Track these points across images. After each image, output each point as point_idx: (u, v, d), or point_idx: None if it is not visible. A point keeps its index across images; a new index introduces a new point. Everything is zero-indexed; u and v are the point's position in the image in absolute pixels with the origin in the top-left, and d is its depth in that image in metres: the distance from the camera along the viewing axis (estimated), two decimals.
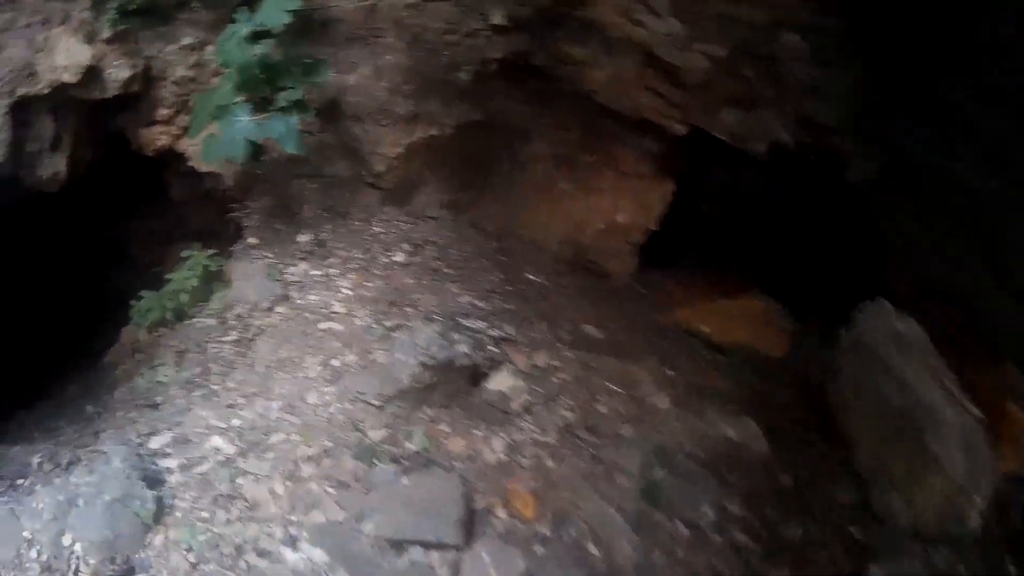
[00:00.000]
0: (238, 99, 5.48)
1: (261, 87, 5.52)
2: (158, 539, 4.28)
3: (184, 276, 6.36)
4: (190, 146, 6.36)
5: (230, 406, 5.26)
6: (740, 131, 5.91)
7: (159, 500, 4.40)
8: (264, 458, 4.80)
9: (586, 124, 6.99)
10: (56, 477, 4.71)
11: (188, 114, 6.18)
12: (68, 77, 5.60)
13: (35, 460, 5.01)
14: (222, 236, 6.92)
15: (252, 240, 6.57)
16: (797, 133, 5.70)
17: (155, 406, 5.65)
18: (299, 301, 6.06)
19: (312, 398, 5.23)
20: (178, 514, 4.42)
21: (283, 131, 5.42)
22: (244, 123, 5.41)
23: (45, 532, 4.21)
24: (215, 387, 5.56)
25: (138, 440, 5.08)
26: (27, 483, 4.72)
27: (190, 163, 6.44)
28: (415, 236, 6.71)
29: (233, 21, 5.47)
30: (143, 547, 4.22)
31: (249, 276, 6.29)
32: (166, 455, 4.87)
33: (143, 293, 6.42)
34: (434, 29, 5.96)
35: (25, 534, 4.21)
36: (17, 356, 7.92)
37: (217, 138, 5.48)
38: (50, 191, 6.20)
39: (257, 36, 5.44)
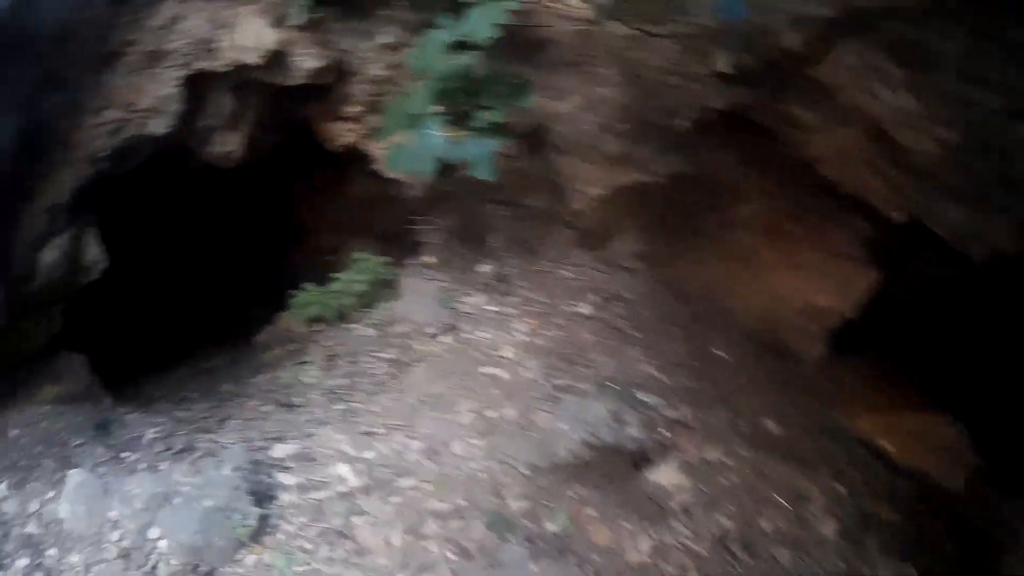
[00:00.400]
0: (432, 110, 5.03)
1: (459, 101, 5.06)
2: (250, 559, 3.97)
3: (352, 278, 6.14)
4: (377, 149, 6.03)
5: (367, 433, 4.93)
6: (963, 231, 5.04)
7: (263, 518, 4.10)
8: (388, 501, 4.40)
9: (800, 194, 6.22)
10: (162, 463, 4.52)
11: (378, 115, 5.84)
12: (250, 58, 5.30)
13: (149, 435, 4.87)
14: (399, 245, 6.60)
15: (429, 258, 6.21)
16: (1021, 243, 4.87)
17: (291, 407, 5.46)
18: (467, 335, 5.69)
19: (457, 448, 4.78)
20: (280, 536, 4.11)
21: (477, 154, 4.90)
22: (435, 138, 4.95)
23: (133, 520, 3.99)
24: (357, 405, 5.28)
25: (261, 443, 4.86)
26: (132, 460, 4.53)
27: (375, 165, 6.11)
28: (604, 287, 6.10)
29: (435, 26, 5.01)
30: (232, 563, 3.93)
31: (419, 295, 5.93)
32: (286, 468, 4.60)
33: (307, 285, 6.18)
34: (653, 67, 5.30)
35: (112, 514, 4.00)
36: (175, 318, 8.00)
37: (405, 148, 5.08)
38: (224, 167, 6.05)
39: (460, 46, 4.96)
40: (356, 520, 4.26)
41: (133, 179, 5.62)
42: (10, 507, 3.99)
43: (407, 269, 6.24)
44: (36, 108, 4.63)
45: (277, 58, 5.31)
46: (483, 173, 4.87)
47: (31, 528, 3.94)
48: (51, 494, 4.07)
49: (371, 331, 5.98)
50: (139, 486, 4.11)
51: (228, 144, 5.76)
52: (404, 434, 4.85)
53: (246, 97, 5.68)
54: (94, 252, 5.18)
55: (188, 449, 4.70)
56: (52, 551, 3.84)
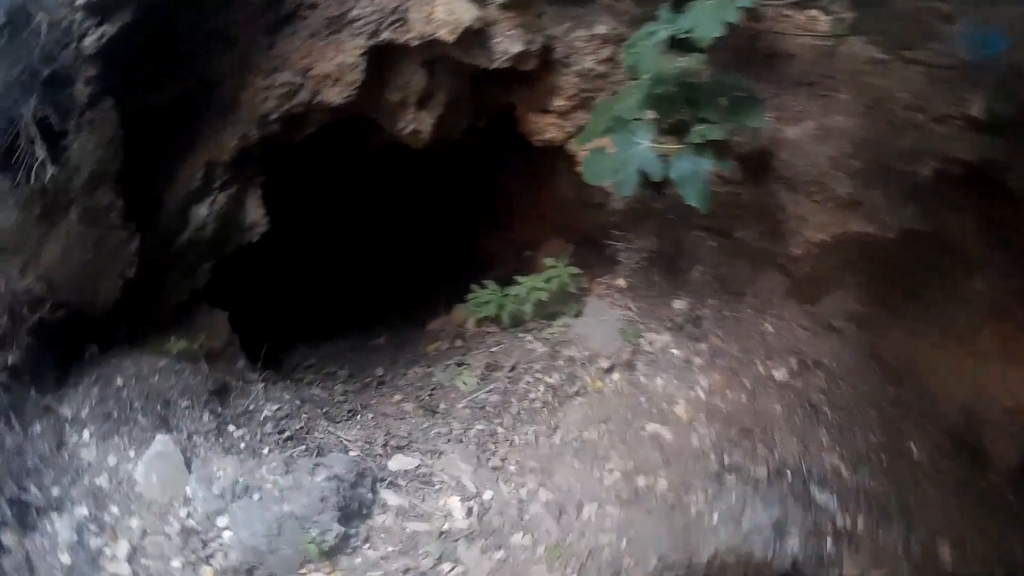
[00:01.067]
0: (642, 116, 4.19)
1: (675, 109, 4.17)
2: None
3: (536, 285, 5.63)
4: (581, 150, 5.29)
5: (496, 468, 4.48)
6: None
7: (345, 537, 3.83)
8: (490, 556, 3.93)
9: None
10: (265, 447, 4.31)
11: (586, 112, 5.11)
12: (444, 34, 4.75)
13: (267, 411, 4.65)
14: (595, 258, 5.91)
15: (621, 281, 5.49)
16: None
17: (432, 412, 5.11)
18: (641, 378, 4.95)
19: (588, 512, 4.15)
20: (357, 561, 3.82)
21: (688, 174, 3.99)
22: (642, 149, 4.08)
23: (207, 502, 3.80)
24: (500, 430, 4.87)
25: (380, 448, 4.57)
26: (235, 435, 4.34)
27: (578, 168, 5.39)
28: (807, 351, 4.99)
29: (655, 19, 4.20)
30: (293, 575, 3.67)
31: (601, 320, 5.28)
32: (394, 485, 4.27)
33: (487, 282, 5.76)
34: (898, 99, 4.20)
35: (188, 490, 3.84)
36: (347, 293, 7.90)
37: (606, 157, 4.27)
38: (414, 147, 5.65)
39: (679, 45, 4.12)
40: (446, 567, 3.82)
41: (313, 147, 5.43)
42: (88, 455, 3.93)
43: (597, 287, 5.55)
44: (200, 66, 4.54)
45: (475, 37, 4.77)
46: (693, 197, 3.95)
47: (102, 481, 3.85)
48: (132, 453, 3.95)
49: (541, 347, 5.42)
50: (223, 469, 3.90)
51: (417, 123, 5.33)
52: (536, 479, 4.32)
53: (439, 75, 5.20)
54: (254, 215, 5.05)
55: (298, 438, 4.45)
56: (114, 509, 3.76)
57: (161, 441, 3.91)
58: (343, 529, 3.77)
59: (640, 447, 4.45)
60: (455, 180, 8.11)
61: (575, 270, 5.61)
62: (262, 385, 4.86)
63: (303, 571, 3.65)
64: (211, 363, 4.74)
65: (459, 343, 5.96)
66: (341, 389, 5.33)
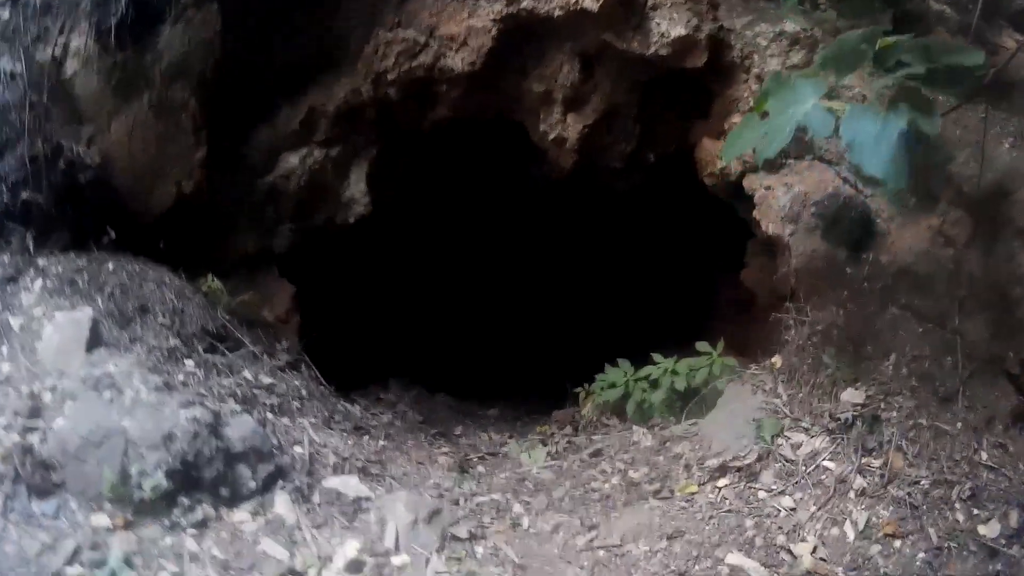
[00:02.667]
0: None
1: (859, 63, 2.90)
2: None
3: (674, 368, 4.30)
4: (761, 186, 4.04)
5: (460, 540, 3.08)
6: None
7: (167, 496, 2.74)
8: None
9: None
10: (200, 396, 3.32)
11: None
12: (588, 2, 3.89)
13: (251, 374, 3.80)
14: (757, 337, 4.39)
15: (776, 360, 3.92)
16: None
17: (464, 471, 4.01)
18: (762, 492, 3.44)
19: None
20: (152, 531, 2.72)
21: (868, 136, 2.70)
22: (806, 107, 2.79)
23: (72, 382, 2.99)
24: (515, 507, 3.57)
25: (343, 462, 3.43)
26: (185, 368, 3.49)
27: (755, 213, 4.05)
28: None
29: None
30: None
31: (735, 410, 3.72)
32: (302, 495, 3.12)
33: (621, 360, 4.54)
34: None
35: (68, 365, 3.10)
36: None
37: (754, 123, 3.01)
38: (560, 166, 4.72)
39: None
40: None
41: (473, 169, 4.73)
42: (27, 299, 3.41)
43: (748, 372, 4.03)
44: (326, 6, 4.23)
45: (626, 11, 3.91)
46: (875, 165, 2.70)
47: (16, 322, 3.31)
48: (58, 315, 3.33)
49: (649, 440, 4.03)
50: (116, 364, 3.10)
51: (563, 128, 4.45)
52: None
53: (596, 74, 4.33)
54: (355, 189, 4.48)
55: (250, 402, 3.50)
56: (3, 347, 3.20)
57: (83, 312, 3.27)
58: (167, 486, 2.71)
59: None
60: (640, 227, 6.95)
61: (731, 360, 4.14)
62: (280, 362, 4.02)
63: (95, 503, 2.68)
64: (248, 327, 4.07)
65: (567, 429, 4.68)
66: (388, 420, 4.28)
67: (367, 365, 5.11)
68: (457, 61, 4.23)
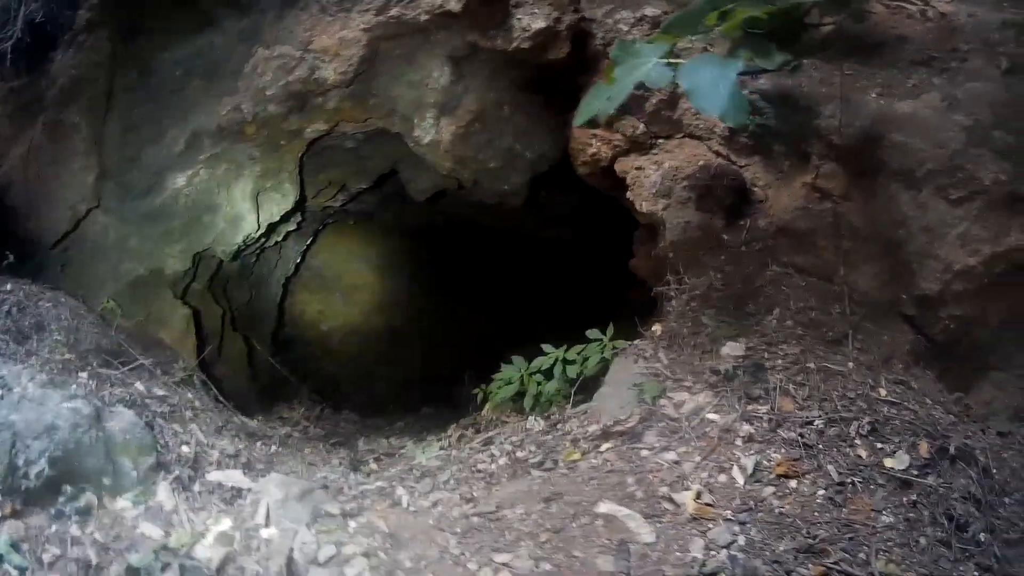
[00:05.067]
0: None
1: (696, 22, 2.97)
2: None
3: (567, 358, 4.30)
4: (632, 168, 4.13)
5: (332, 516, 3.02)
6: None
7: (50, 483, 2.73)
8: None
9: None
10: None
11: (640, 119, 4.06)
12: (451, 4, 4.03)
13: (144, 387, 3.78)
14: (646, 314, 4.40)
15: (657, 328, 3.94)
16: None
17: (356, 468, 4.02)
18: (644, 451, 3.36)
19: None
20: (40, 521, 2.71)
21: (706, 81, 2.76)
22: (648, 66, 2.92)
23: None
24: (399, 490, 3.53)
25: (228, 459, 3.50)
26: (80, 379, 3.52)
27: (628, 195, 4.16)
28: (951, 434, 3.15)
29: None
30: None
31: (620, 381, 3.75)
32: (182, 484, 3.15)
33: (516, 358, 4.54)
34: None
35: None
36: None
37: (601, 89, 3.06)
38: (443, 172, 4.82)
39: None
40: None
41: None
42: None
43: (631, 345, 4.01)
44: (208, 30, 4.34)
45: (487, 10, 4.01)
46: (713, 106, 2.75)
47: None
48: None
49: (542, 423, 3.99)
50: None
51: (436, 131, 4.52)
52: (372, 544, 2.85)
53: (467, 76, 4.43)
54: (241, 206, 4.48)
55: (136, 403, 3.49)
56: None
57: None
58: (51, 472, 2.73)
59: (579, 543, 2.84)
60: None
61: (622, 343, 4.10)
62: (175, 378, 3.99)
63: None
64: (144, 346, 4.06)
65: (469, 431, 4.57)
66: (286, 433, 4.25)
67: (274, 386, 5.13)
68: (331, 72, 4.31)
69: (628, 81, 3.01)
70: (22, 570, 2.50)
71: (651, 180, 4.04)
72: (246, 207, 4.85)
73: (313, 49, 4.28)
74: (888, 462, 3.10)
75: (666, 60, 2.96)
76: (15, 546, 2.57)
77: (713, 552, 2.78)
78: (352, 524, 3.02)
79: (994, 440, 3.26)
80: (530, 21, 4.08)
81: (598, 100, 3.19)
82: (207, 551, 2.68)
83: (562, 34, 4.11)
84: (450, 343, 7.58)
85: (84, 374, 3.55)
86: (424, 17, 4.15)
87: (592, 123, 4.27)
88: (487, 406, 4.64)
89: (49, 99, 4.06)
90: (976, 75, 3.42)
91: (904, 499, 3.00)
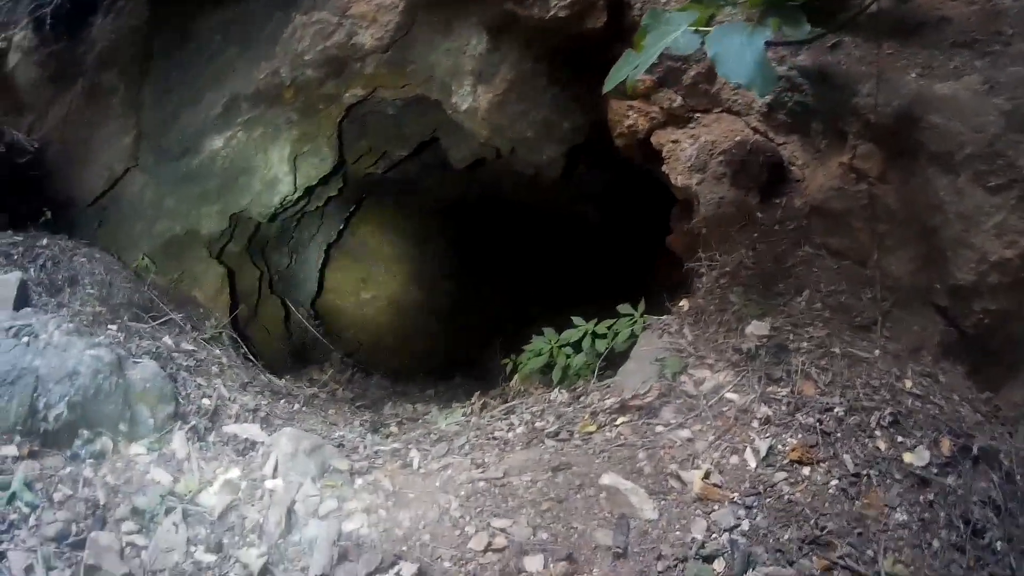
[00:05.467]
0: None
1: None
2: None
3: (597, 331, 4.27)
4: (669, 141, 4.04)
5: (340, 472, 3.10)
6: None
7: (68, 426, 2.92)
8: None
9: None
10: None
11: (675, 90, 3.96)
12: None
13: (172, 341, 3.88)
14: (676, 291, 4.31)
15: (684, 304, 3.88)
16: None
17: (375, 430, 4.08)
18: (659, 427, 3.32)
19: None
20: (55, 461, 2.88)
21: (732, 48, 2.69)
22: (676, 33, 2.84)
23: None
24: (412, 452, 3.57)
25: (246, 414, 3.51)
26: (108, 329, 3.61)
27: (663, 168, 4.07)
28: (975, 433, 3.00)
29: None
30: None
31: (643, 355, 3.70)
32: (197, 434, 3.24)
33: (538, 339, 4.54)
34: None
35: None
36: None
37: (630, 56, 2.98)
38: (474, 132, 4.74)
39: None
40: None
41: None
42: None
43: (659, 319, 3.95)
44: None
45: None
46: (739, 72, 2.69)
47: None
48: None
49: (565, 395, 3.96)
50: (39, 319, 3.22)
51: (473, 98, 4.49)
52: (373, 502, 2.94)
53: (503, 46, 4.37)
54: (278, 169, 4.52)
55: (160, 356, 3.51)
56: None
57: (12, 274, 3.45)
58: (69, 416, 2.86)
59: (580, 514, 2.86)
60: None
61: (653, 318, 4.03)
62: (206, 335, 4.09)
63: (6, 435, 2.78)
64: (177, 303, 4.14)
65: (496, 401, 4.60)
66: (312, 393, 4.30)
67: (304, 348, 5.20)
68: (368, 37, 4.32)
69: (655, 48, 2.95)
70: (33, 507, 2.63)
71: (687, 154, 3.96)
72: (283, 170, 4.90)
73: (351, 15, 4.29)
74: (907, 457, 2.99)
75: (695, 28, 2.92)
76: (29, 485, 2.71)
77: (714, 534, 2.75)
78: (358, 481, 3.07)
79: (1021, 444, 3.07)
80: None
81: (626, 67, 3.13)
82: (211, 498, 2.76)
83: (599, 3, 4.03)
84: (483, 315, 7.62)
85: (114, 327, 3.64)
86: None
87: (630, 94, 4.25)
88: (516, 377, 4.64)
89: (88, 63, 4.16)
90: (1019, 59, 3.18)
91: (920, 497, 2.89)
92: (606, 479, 2.93)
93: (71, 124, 4.16)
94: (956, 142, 3.26)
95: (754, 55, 2.74)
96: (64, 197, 4.22)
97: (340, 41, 4.35)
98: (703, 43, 2.87)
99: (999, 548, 2.76)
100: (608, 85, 3.27)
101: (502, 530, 2.72)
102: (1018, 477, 3.00)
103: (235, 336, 4.36)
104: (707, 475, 2.98)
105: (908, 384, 3.23)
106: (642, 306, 4.24)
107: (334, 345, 5.74)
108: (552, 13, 4.09)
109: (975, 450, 3.00)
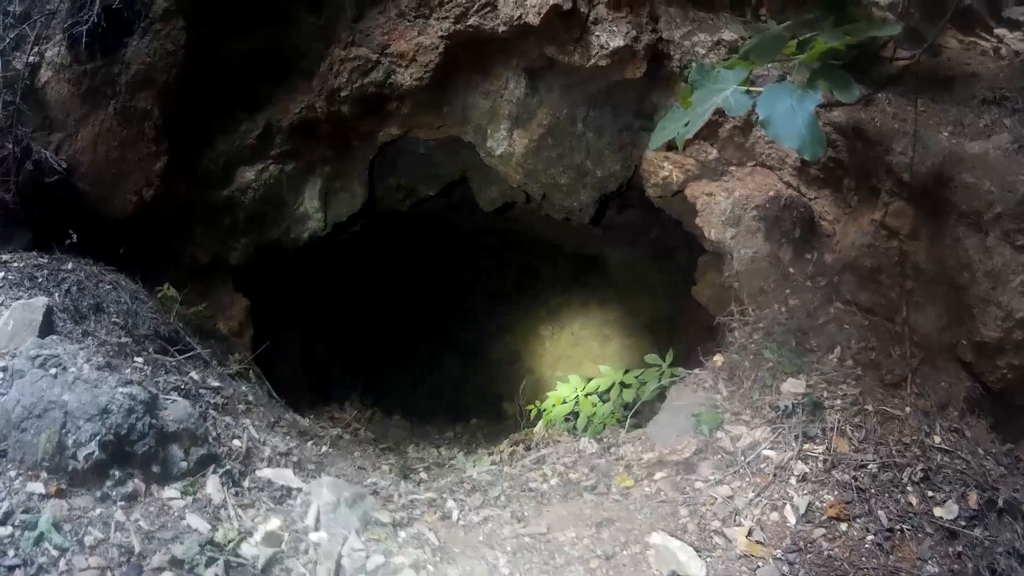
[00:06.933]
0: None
1: (777, 49, 2.97)
2: None
3: (624, 380, 4.36)
4: (703, 194, 4.10)
5: (383, 525, 3.04)
6: None
7: (99, 465, 2.74)
8: None
9: None
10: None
11: (712, 145, 4.04)
12: (531, 17, 3.99)
13: (198, 376, 3.81)
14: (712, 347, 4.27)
15: (718, 359, 3.90)
16: None
17: (406, 476, 4.04)
18: (699, 483, 3.37)
19: None
20: (85, 501, 2.73)
21: (783, 111, 2.73)
22: (725, 92, 2.88)
23: (15, 360, 3.01)
24: (449, 503, 3.50)
25: (279, 456, 3.45)
26: (135, 362, 3.49)
27: (696, 220, 4.09)
28: (1000, 486, 3.12)
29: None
30: None
31: (677, 409, 3.70)
32: (232, 480, 3.09)
33: (563, 385, 4.51)
34: None
35: (18, 347, 3.11)
36: None
37: (679, 112, 3.05)
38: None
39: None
40: None
41: None
42: None
43: (691, 374, 3.97)
44: (284, 25, 4.38)
45: (566, 24, 3.98)
46: (791, 138, 2.70)
47: None
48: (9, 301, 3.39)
49: (595, 446, 3.95)
50: (64, 348, 3.13)
51: (508, 144, 4.53)
52: (420, 557, 2.88)
53: (541, 89, 4.42)
54: (309, 205, 4.49)
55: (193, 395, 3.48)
56: None
57: (38, 300, 3.34)
58: (100, 455, 2.72)
59: (629, 571, 2.84)
60: None
61: (680, 371, 4.09)
62: (231, 370, 4.02)
63: (32, 471, 2.67)
64: (201, 335, 4.07)
65: (520, 447, 4.48)
66: (337, 434, 4.23)
67: (324, 384, 5.15)
68: (406, 77, 4.34)
69: (706, 106, 2.98)
70: (62, 550, 2.50)
71: (721, 207, 4.01)
72: (314, 205, 4.89)
73: (390, 53, 4.31)
74: (937, 511, 3.08)
75: (744, 88, 2.93)
76: (57, 526, 2.58)
77: None
78: (402, 534, 3.02)
79: None
80: (608, 39, 4.05)
81: (674, 124, 3.16)
82: (254, 549, 2.68)
83: (640, 53, 4.07)
84: (498, 355, 7.62)
85: (140, 359, 3.54)
86: (502, 28, 4.14)
87: (667, 146, 4.27)
88: (540, 423, 4.64)
89: (122, 84, 4.11)
90: None
91: (950, 549, 2.98)
92: (655, 538, 2.93)
93: (101, 145, 4.10)
94: (986, 201, 3.33)
95: (804, 119, 2.80)
96: (91, 219, 4.14)
97: (378, 79, 4.38)
98: (754, 105, 2.94)
99: None
100: (655, 142, 3.29)
101: None
102: None
103: (259, 372, 4.30)
104: (750, 532, 3.01)
105: (937, 440, 3.34)
106: (670, 357, 4.28)
107: (353, 380, 5.70)
108: (593, 62, 4.15)
109: (1000, 503, 3.11)
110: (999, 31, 3.74)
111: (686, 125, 3.01)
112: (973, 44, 3.78)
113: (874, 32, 2.96)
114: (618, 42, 4.03)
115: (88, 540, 2.56)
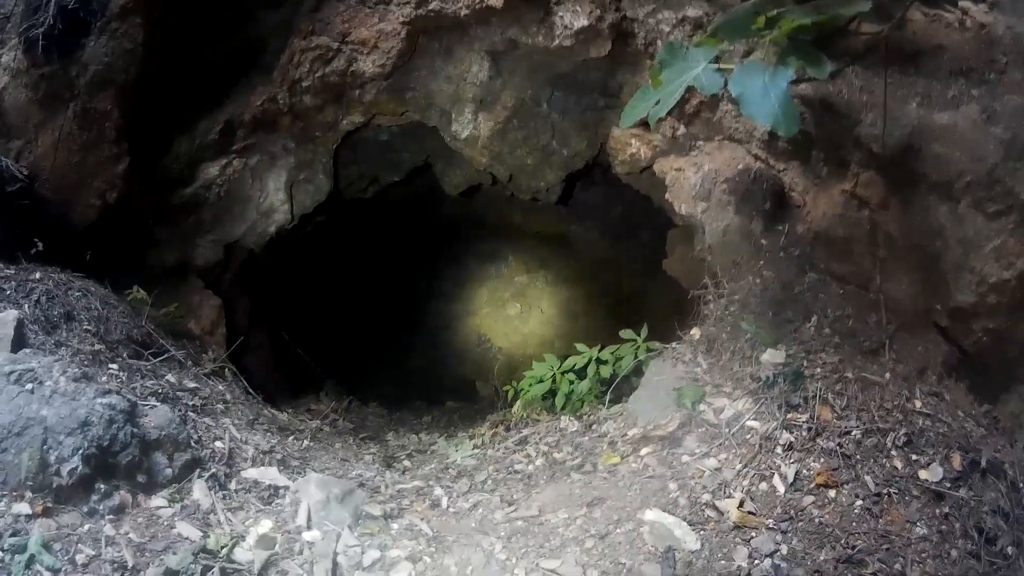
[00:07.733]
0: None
1: (746, 27, 2.88)
2: None
3: (600, 357, 4.35)
4: (672, 169, 4.12)
5: (374, 518, 3.05)
6: None
7: (83, 480, 2.73)
8: None
9: None
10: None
11: (682, 121, 4.05)
12: (495, 0, 3.98)
13: (174, 378, 3.76)
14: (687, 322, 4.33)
15: (695, 332, 3.94)
16: None
17: (389, 465, 3.97)
18: (685, 456, 3.40)
19: None
20: (72, 518, 2.69)
21: (755, 89, 2.73)
22: (697, 70, 2.88)
23: None
24: (437, 490, 3.54)
25: (261, 455, 3.42)
26: (109, 370, 3.43)
27: (666, 195, 4.14)
28: (982, 448, 3.17)
29: None
30: None
31: (658, 384, 3.74)
32: (218, 483, 3.09)
33: (539, 364, 4.58)
34: None
35: None
36: None
37: (648, 92, 3.03)
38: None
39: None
40: None
41: None
42: None
43: (669, 348, 4.00)
44: (243, 20, 4.30)
45: (532, 6, 3.96)
46: (764, 114, 2.72)
47: None
48: None
49: (576, 424, 4.01)
50: (39, 361, 3.03)
51: (474, 127, 4.50)
52: (415, 548, 2.90)
53: (504, 72, 4.39)
54: (274, 198, 4.46)
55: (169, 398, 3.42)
56: None
57: (8, 313, 3.24)
58: (84, 470, 2.69)
59: (625, 549, 2.86)
60: None
61: (656, 344, 4.12)
62: (206, 369, 3.97)
63: (16, 491, 2.61)
64: (174, 337, 4.02)
65: (499, 428, 4.50)
66: (316, 426, 4.23)
67: (297, 376, 5.13)
68: (368, 64, 4.28)
69: (677, 85, 2.98)
70: (55, 571, 2.45)
71: (691, 182, 4.03)
72: (280, 198, 4.83)
73: (351, 41, 4.25)
74: (923, 474, 3.13)
75: (715, 66, 2.94)
76: (47, 546, 2.53)
77: (757, 560, 2.82)
78: (394, 526, 3.04)
79: (1021, 454, 3.31)
80: (572, 19, 4.03)
81: (645, 103, 3.15)
82: (248, 554, 2.66)
83: (604, 32, 4.05)
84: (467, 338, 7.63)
85: (115, 365, 3.48)
86: (464, 12, 4.09)
87: (638, 124, 4.27)
88: (517, 403, 4.64)
89: (80, 86, 3.99)
90: (1015, 88, 3.35)
91: (937, 511, 3.04)
92: (649, 514, 2.96)
93: (62, 150, 3.99)
94: (956, 170, 3.38)
95: (778, 96, 2.78)
96: (55, 226, 4.03)
97: (340, 68, 4.31)
98: (726, 83, 2.95)
99: (1010, 553, 2.94)
100: (626, 121, 3.29)
101: (552, 571, 2.72)
102: (1021, 485, 3.20)
103: (234, 370, 4.25)
104: (741, 503, 3.06)
105: (918, 404, 3.38)
106: (644, 332, 4.31)
107: (326, 370, 5.68)
108: (557, 42, 4.12)
109: (983, 463, 3.17)
110: (964, 3, 3.76)
111: (657, 104, 3.02)
112: (938, 17, 3.78)
113: (843, 10, 2.97)
114: (582, 22, 4.01)
115: (80, 558, 2.52)
